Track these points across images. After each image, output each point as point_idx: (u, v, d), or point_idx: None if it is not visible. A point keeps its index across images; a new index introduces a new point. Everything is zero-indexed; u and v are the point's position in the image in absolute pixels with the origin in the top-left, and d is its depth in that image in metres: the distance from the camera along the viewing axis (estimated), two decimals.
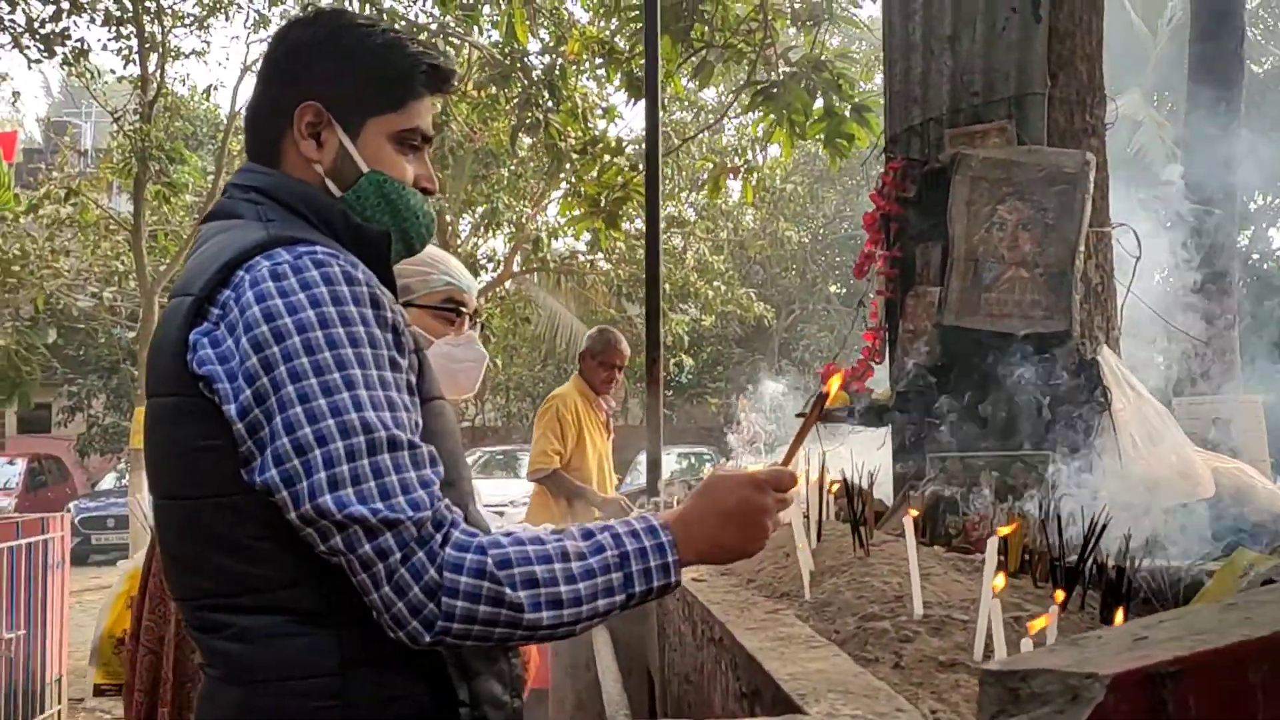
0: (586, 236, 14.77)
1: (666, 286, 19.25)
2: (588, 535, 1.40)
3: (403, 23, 11.63)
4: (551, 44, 10.97)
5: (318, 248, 1.37)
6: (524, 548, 1.34)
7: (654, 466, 4.59)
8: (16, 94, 30.15)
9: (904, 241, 3.32)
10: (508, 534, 1.37)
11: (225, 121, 17.11)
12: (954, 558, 2.47)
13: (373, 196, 1.55)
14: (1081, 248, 3.00)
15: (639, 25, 7.62)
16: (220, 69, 57.04)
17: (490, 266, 19.62)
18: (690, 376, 24.34)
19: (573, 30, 9.57)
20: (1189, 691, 0.80)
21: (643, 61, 8.51)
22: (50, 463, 21.77)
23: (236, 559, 1.34)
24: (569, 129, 10.97)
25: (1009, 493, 2.77)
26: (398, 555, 1.27)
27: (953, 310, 3.05)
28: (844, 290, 24.73)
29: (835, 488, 2.82)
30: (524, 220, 17.94)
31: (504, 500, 14.08)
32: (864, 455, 3.40)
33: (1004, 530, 1.92)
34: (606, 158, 9.40)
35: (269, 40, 1.66)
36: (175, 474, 1.38)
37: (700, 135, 16.60)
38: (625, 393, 20.87)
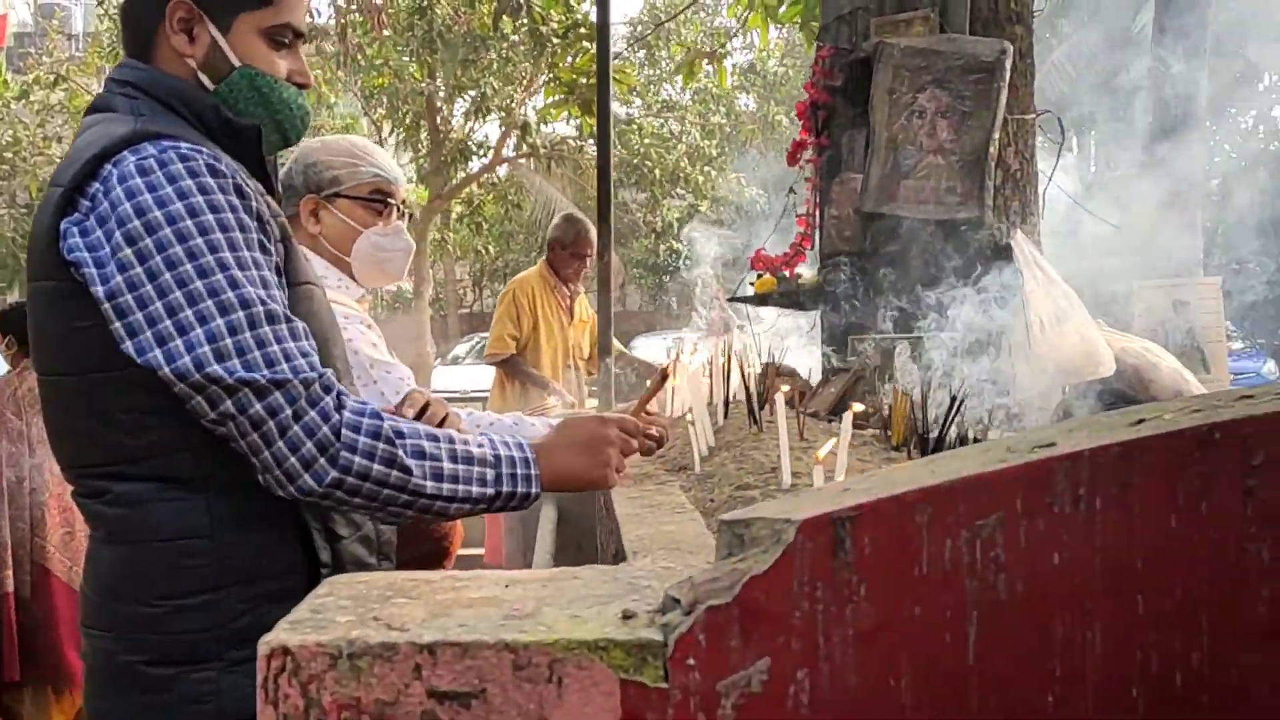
0: (576, 122, 14.81)
1: (658, 172, 19.23)
2: (472, 437, 1.56)
3: None
4: None
5: (181, 142, 1.47)
6: (415, 425, 1.50)
7: (604, 353, 4.73)
8: None
9: (832, 129, 3.39)
10: (408, 420, 1.52)
11: None
12: (859, 434, 2.60)
13: (245, 90, 1.63)
14: (996, 135, 3.07)
15: None
16: None
17: (481, 153, 19.53)
18: (688, 261, 24.38)
19: None
20: (864, 532, 0.93)
21: None
22: None
23: (114, 430, 1.47)
24: (551, 12, 10.88)
25: (918, 372, 2.90)
26: (288, 412, 1.39)
27: (872, 197, 3.15)
28: None
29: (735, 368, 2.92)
30: (513, 105, 17.80)
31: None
32: (796, 339, 3.53)
33: (858, 407, 2.04)
34: (585, 43, 9.35)
35: None
36: (56, 352, 1.51)
37: (677, 20, 16.37)
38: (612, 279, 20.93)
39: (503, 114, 18.00)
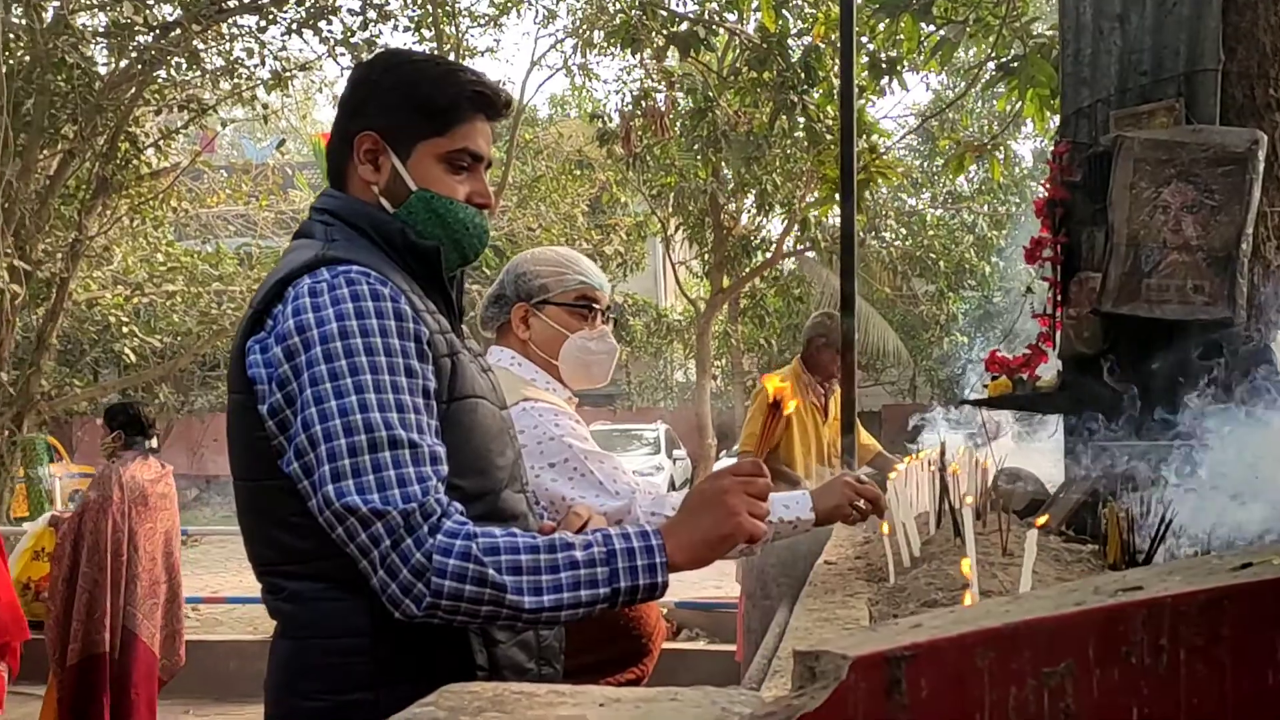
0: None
1: (942, 264, 18.89)
2: (584, 535, 1.57)
3: (663, 12, 11.91)
4: (805, 27, 11.01)
5: (353, 267, 1.59)
6: (514, 539, 1.52)
7: (849, 450, 4.66)
8: (336, 97, 32.62)
9: (1070, 226, 3.26)
10: (507, 531, 1.55)
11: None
12: (1076, 550, 2.46)
13: (422, 211, 1.75)
14: (1250, 230, 2.87)
15: (878, 5, 7.58)
16: (508, 65, 59.49)
17: (764, 247, 19.78)
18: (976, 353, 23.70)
19: (819, 12, 9.57)
20: (920, 674, 0.89)
21: (886, 42, 8.46)
22: None
23: (284, 532, 1.59)
24: (827, 109, 10.99)
25: (1156, 485, 2.71)
26: (387, 542, 1.47)
27: (1111, 296, 2.99)
28: None
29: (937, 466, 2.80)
30: (794, 201, 17.98)
31: None
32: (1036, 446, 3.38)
33: (1040, 521, 1.93)
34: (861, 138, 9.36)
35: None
36: (240, 459, 1.65)
37: (957, 110, 16.12)
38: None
39: (784, 209, 18.21)
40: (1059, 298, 3.31)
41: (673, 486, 19.57)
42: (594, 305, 2.55)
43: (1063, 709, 0.86)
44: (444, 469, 1.55)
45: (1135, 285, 2.96)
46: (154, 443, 5.75)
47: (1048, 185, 3.30)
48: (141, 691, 5.08)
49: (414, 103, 1.74)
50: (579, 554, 1.52)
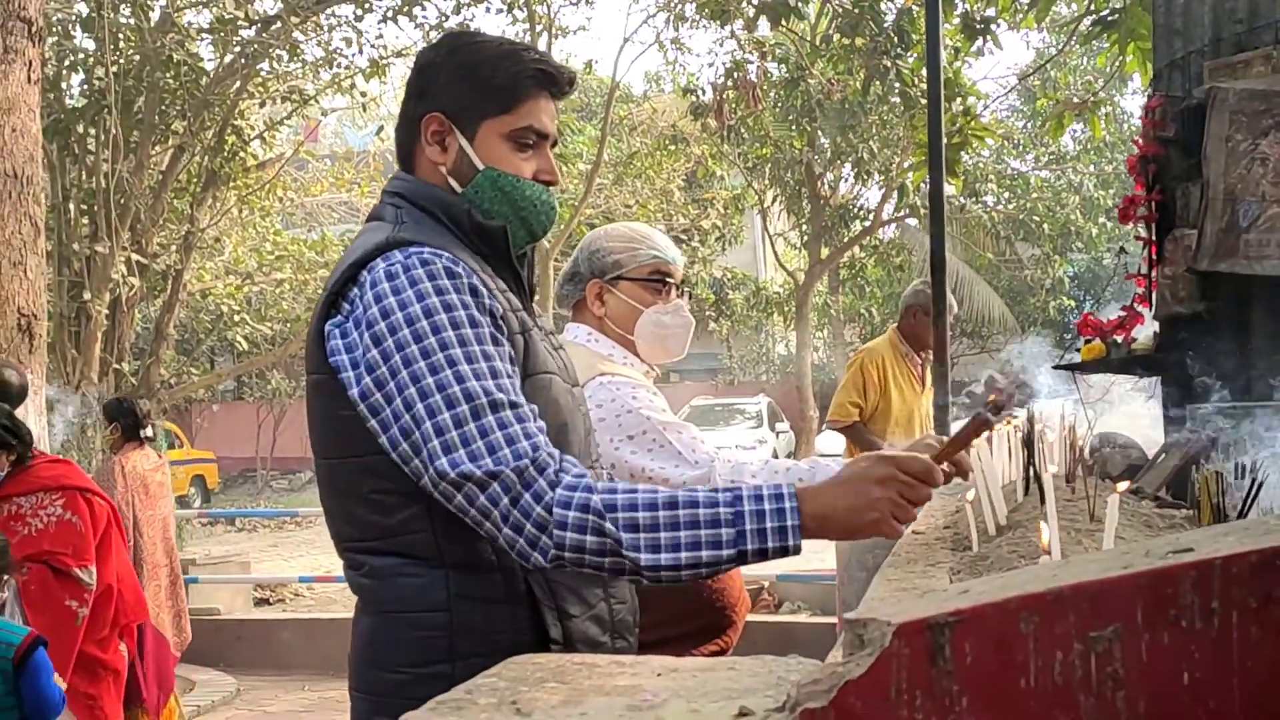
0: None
1: (1046, 226, 18.44)
2: (712, 492, 1.53)
3: None
4: None
5: (425, 248, 1.62)
6: (634, 494, 1.51)
7: (941, 412, 4.58)
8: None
9: (1165, 183, 3.16)
10: (629, 487, 1.54)
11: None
12: (1169, 515, 2.40)
13: (489, 190, 1.76)
14: None
15: None
16: (600, 42, 59.50)
17: (863, 216, 19.54)
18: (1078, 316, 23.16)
19: None
20: (964, 639, 0.89)
21: (978, 3, 8.27)
22: None
23: (367, 509, 1.63)
24: (919, 73, 10.78)
25: (1253, 447, 2.63)
26: (506, 500, 1.49)
27: (1207, 254, 2.90)
28: None
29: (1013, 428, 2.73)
30: (891, 168, 17.72)
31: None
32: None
33: (1121, 486, 1.87)
34: (952, 102, 9.18)
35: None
36: (322, 438, 1.70)
37: (1059, 68, 15.68)
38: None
39: (882, 176, 17.96)
40: (1154, 257, 3.22)
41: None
42: (668, 279, 2.55)
43: (1110, 674, 0.85)
44: (544, 425, 1.57)
45: (1233, 241, 2.86)
46: (150, 432, 5.94)
47: (1140, 141, 3.21)
48: (150, 666, 5.25)
49: (477, 82, 1.76)
50: (702, 512, 1.50)
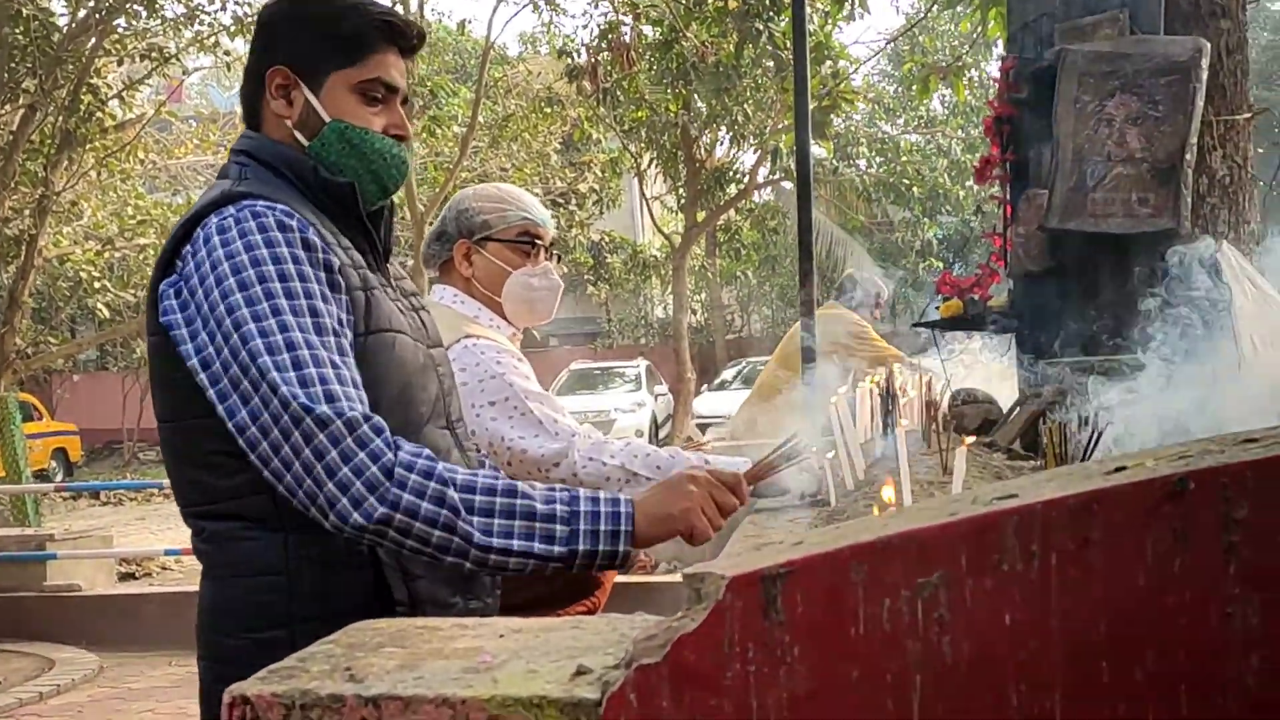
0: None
1: (915, 190, 18.81)
2: (552, 490, 1.54)
3: None
4: None
5: (259, 201, 1.57)
6: (474, 477, 1.50)
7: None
8: None
9: (1019, 143, 3.24)
10: (471, 471, 1.52)
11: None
12: (1019, 466, 2.47)
13: (336, 142, 1.71)
14: (1194, 140, 2.85)
15: None
16: (473, 2, 58.38)
17: (738, 180, 19.66)
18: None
19: None
20: (795, 590, 0.89)
21: None
22: None
23: (206, 472, 1.58)
24: (790, 37, 10.86)
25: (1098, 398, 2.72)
26: (334, 453, 1.44)
27: (1057, 213, 2.98)
28: None
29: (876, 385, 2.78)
30: (765, 132, 17.84)
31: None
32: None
33: (968, 441, 1.92)
34: (822, 66, 9.29)
35: None
36: (161, 401, 1.65)
37: (924, 31, 15.97)
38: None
39: (757, 140, 18.08)
40: (1009, 217, 3.30)
41: (655, 423, 19.60)
42: (537, 241, 2.52)
43: (936, 618, 0.86)
44: (364, 394, 1.53)
45: (1080, 200, 2.95)
46: None
47: (995, 103, 3.28)
48: None
49: (323, 33, 1.71)
50: (539, 505, 1.50)
